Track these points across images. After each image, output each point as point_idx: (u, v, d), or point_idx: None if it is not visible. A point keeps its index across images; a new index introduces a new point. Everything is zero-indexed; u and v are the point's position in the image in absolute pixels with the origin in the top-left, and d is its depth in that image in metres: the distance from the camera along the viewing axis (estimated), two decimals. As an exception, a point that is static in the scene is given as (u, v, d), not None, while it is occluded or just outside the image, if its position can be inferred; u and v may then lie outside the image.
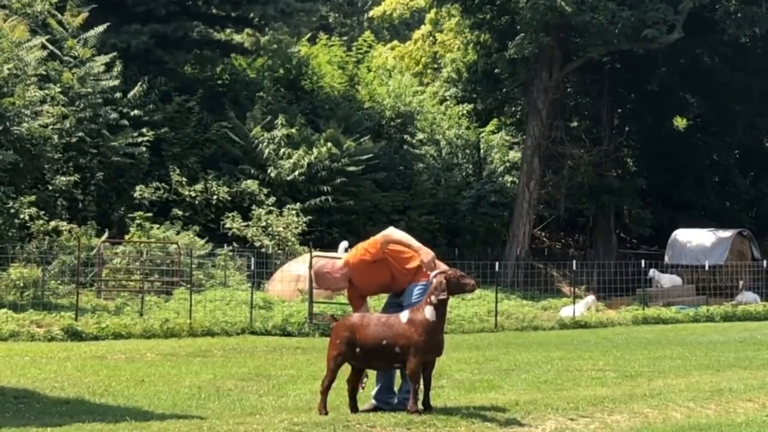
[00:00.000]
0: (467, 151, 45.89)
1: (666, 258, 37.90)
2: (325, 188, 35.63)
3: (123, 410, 10.39)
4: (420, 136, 44.27)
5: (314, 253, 24.41)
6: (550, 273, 38.48)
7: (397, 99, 43.83)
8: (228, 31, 44.39)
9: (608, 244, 43.38)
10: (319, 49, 43.81)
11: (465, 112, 46.54)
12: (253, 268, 25.90)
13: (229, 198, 34.20)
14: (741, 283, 34.23)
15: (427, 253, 9.77)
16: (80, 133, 32.29)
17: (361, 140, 37.86)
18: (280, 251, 31.62)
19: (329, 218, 35.98)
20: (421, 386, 9.43)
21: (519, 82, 42.23)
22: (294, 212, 33.42)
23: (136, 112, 34.51)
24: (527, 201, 39.70)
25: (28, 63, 28.30)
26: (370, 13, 65.77)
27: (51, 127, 29.19)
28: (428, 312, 9.37)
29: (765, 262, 34.37)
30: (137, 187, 32.78)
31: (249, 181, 34.78)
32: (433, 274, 9.59)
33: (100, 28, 34.36)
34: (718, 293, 33.27)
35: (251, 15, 41.46)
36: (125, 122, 33.91)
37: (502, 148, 46.26)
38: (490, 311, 26.01)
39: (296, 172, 35.64)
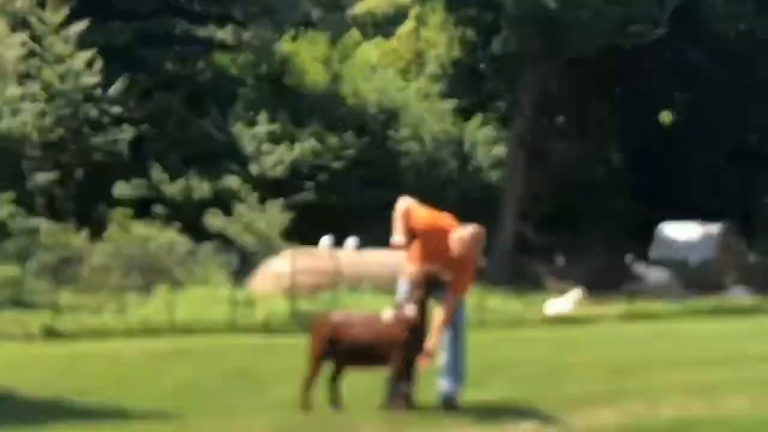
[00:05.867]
0: (452, 147, 45.84)
1: (653, 253, 37.90)
2: (308, 185, 35.56)
3: (103, 410, 10.30)
4: (404, 132, 44.18)
5: (297, 251, 24.37)
6: (536, 269, 38.46)
7: (381, 95, 43.78)
8: (210, 27, 44.23)
9: (594, 239, 43.38)
10: (303, 46, 43.74)
11: (450, 108, 46.50)
12: (235, 265, 25.75)
13: (211, 195, 34.09)
14: (730, 281, 34.27)
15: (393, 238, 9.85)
16: (60, 131, 32.15)
17: (345, 136, 37.78)
18: (262, 248, 31.47)
19: (312, 215, 35.86)
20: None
21: (504, 78, 42.21)
22: (277, 209, 33.28)
23: (117, 109, 34.36)
24: (513, 197, 39.70)
25: (8, 60, 28.15)
26: (354, 9, 65.72)
27: (31, 124, 29.00)
28: (411, 310, 9.34)
29: (751, 256, 34.39)
30: (118, 185, 32.65)
31: (231, 178, 34.71)
32: (410, 272, 9.57)
33: (82, 25, 34.22)
34: (705, 288, 33.27)
35: (234, 11, 41.37)
36: (106, 119, 33.77)
37: (487, 144, 46.24)
38: (476, 307, 25.90)
39: (279, 169, 35.56)
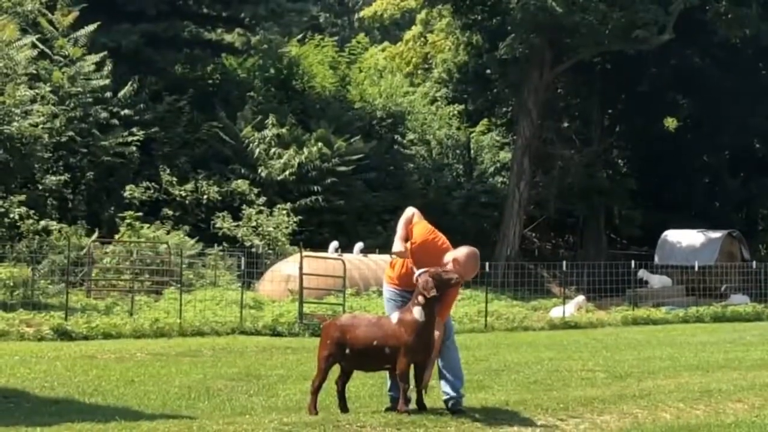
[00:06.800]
0: (458, 151, 45.95)
1: (656, 258, 37.93)
2: (315, 188, 35.64)
3: (113, 410, 10.38)
4: (410, 136, 44.29)
5: (304, 254, 24.50)
6: (540, 273, 38.47)
7: (388, 99, 43.85)
8: (219, 30, 44.36)
9: (598, 244, 43.43)
10: (310, 49, 43.80)
11: (456, 112, 46.59)
12: (243, 268, 25.87)
13: (220, 198, 34.19)
14: (724, 287, 34.28)
15: (395, 245, 9.83)
16: (70, 133, 32.28)
17: (352, 140, 37.85)
18: (270, 251, 31.60)
19: (319, 218, 35.97)
20: (412, 386, 9.47)
21: (509, 82, 42.26)
22: (284, 212, 33.40)
23: (126, 111, 34.49)
24: (517, 201, 39.73)
25: (18, 62, 28.24)
26: (361, 14, 65.75)
27: (41, 126, 29.11)
28: (417, 312, 9.37)
29: (754, 263, 34.42)
30: (127, 187, 32.74)
31: (239, 181, 34.78)
32: (417, 273, 9.59)
33: (91, 28, 34.32)
34: (708, 294, 33.30)
35: (242, 15, 41.47)
36: (115, 122, 33.90)
37: (493, 149, 46.36)
38: (480, 312, 26.00)
39: (287, 172, 35.65)
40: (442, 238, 9.95)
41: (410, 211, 10.06)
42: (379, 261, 30.17)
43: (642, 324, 27.58)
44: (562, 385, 12.69)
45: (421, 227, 9.95)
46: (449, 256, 9.75)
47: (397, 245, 9.78)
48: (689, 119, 47.83)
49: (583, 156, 43.55)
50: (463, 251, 9.80)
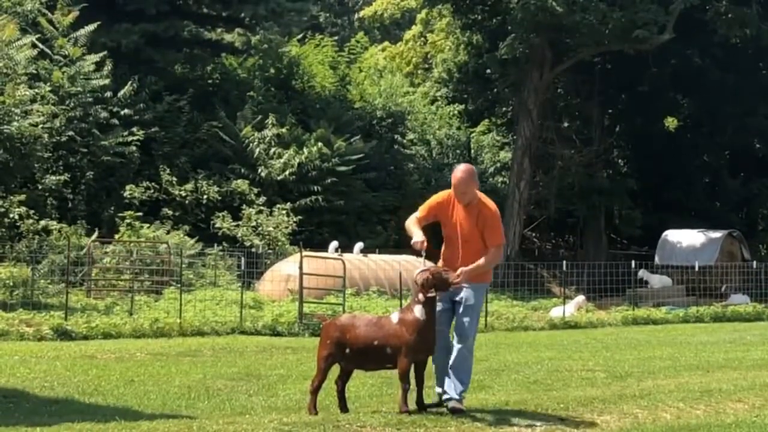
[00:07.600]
0: (458, 151, 45.93)
1: (656, 259, 37.94)
2: (315, 188, 35.64)
3: (113, 410, 10.38)
4: (411, 136, 44.29)
5: (304, 253, 24.49)
6: (541, 273, 38.47)
7: (388, 99, 43.85)
8: (218, 30, 44.37)
9: (598, 244, 43.45)
10: (310, 49, 43.81)
11: (456, 112, 46.60)
12: (243, 267, 25.87)
13: (219, 198, 34.20)
14: (724, 287, 34.27)
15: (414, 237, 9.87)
16: (70, 132, 32.28)
17: (352, 140, 37.86)
18: (270, 251, 31.60)
19: (319, 218, 35.99)
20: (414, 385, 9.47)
21: (510, 82, 42.26)
22: (284, 212, 33.39)
23: (126, 111, 34.50)
24: (518, 201, 39.75)
25: (18, 62, 28.23)
26: (361, 13, 65.78)
27: (41, 126, 29.07)
28: (418, 311, 9.37)
29: (755, 263, 34.42)
30: (127, 187, 32.74)
31: (239, 181, 34.79)
32: (417, 272, 9.59)
33: (91, 27, 34.31)
34: (708, 294, 33.31)
35: (242, 14, 41.45)
36: (115, 121, 33.91)
37: (493, 149, 46.37)
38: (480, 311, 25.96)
39: (287, 172, 35.65)
40: (446, 191, 10.09)
41: (412, 216, 10.12)
42: (379, 261, 30.18)
43: (642, 324, 27.59)
44: (562, 385, 12.68)
45: (427, 202, 10.21)
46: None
47: (416, 236, 9.78)
48: (689, 119, 47.86)
49: (583, 156, 43.55)
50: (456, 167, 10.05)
